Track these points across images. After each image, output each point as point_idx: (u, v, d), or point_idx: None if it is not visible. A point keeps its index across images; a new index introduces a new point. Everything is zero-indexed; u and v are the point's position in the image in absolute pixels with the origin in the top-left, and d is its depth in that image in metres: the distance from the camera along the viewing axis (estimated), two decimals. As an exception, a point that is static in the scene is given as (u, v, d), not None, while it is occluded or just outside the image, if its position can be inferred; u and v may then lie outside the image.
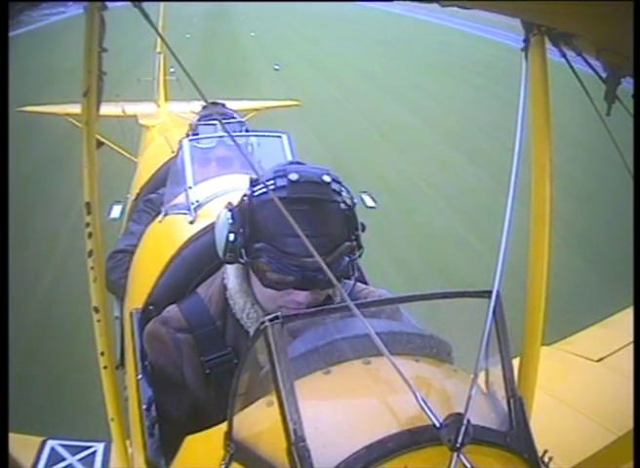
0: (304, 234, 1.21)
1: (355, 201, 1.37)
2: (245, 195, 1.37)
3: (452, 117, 9.39)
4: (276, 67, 11.09)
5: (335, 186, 1.32)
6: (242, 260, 1.34)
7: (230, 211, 1.37)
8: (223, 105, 3.09)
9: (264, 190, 1.32)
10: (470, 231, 6.06)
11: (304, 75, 11.04)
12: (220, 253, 1.38)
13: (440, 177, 7.39)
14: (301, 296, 1.31)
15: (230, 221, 1.35)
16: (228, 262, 1.40)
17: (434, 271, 5.30)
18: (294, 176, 1.28)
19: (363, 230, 1.38)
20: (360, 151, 7.67)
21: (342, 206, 1.33)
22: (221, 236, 1.37)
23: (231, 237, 1.34)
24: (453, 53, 13.85)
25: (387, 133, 8.38)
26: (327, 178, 1.31)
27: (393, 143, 8.20)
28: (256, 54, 13.33)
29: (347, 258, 1.34)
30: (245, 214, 1.34)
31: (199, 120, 2.79)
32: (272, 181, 1.30)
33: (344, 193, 1.35)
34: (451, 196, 6.92)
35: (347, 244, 1.33)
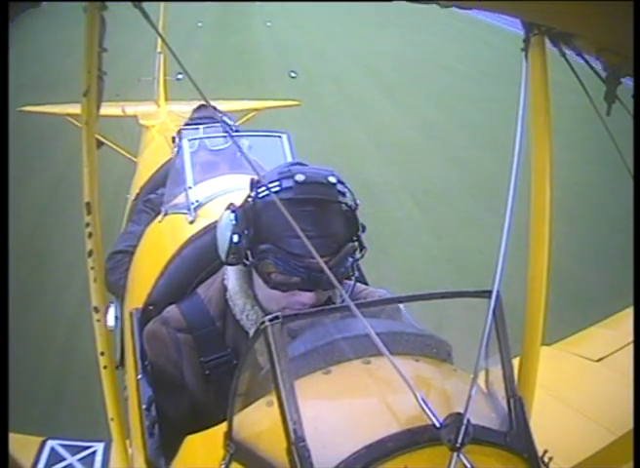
0: (310, 235, 1.23)
1: (358, 202, 1.37)
2: (249, 196, 1.37)
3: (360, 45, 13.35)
4: (268, 24, 14.23)
5: (339, 187, 1.32)
6: (247, 262, 1.33)
7: (233, 212, 1.36)
8: (214, 108, 3.07)
9: (259, 194, 1.32)
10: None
11: (287, 29, 14.73)
12: (223, 256, 1.37)
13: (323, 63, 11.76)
14: (307, 297, 1.31)
15: (234, 223, 1.34)
16: (231, 264, 1.39)
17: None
18: (300, 177, 1.28)
19: (363, 231, 1.38)
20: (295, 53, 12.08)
21: (346, 207, 1.33)
22: (224, 237, 1.35)
23: (235, 238, 1.33)
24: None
25: (320, 56, 12.31)
26: (332, 179, 1.31)
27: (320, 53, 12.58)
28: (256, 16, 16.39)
29: (351, 259, 1.34)
30: (249, 216, 1.33)
31: (194, 124, 2.79)
32: (278, 182, 1.30)
33: (348, 194, 1.35)
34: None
35: (351, 244, 1.33)
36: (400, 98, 9.33)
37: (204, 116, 2.90)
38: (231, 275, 1.44)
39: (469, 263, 4.75)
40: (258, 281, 1.36)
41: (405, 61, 11.66)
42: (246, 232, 1.32)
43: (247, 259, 1.33)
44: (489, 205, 5.49)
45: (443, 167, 6.71)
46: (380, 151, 7.10)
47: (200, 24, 12.11)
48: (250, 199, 1.36)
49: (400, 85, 10.10)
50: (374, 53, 12.28)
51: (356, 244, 1.35)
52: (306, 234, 1.20)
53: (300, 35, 13.86)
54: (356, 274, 1.39)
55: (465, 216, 5.73)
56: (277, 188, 1.29)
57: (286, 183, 1.29)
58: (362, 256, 1.38)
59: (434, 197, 6.03)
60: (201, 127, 2.57)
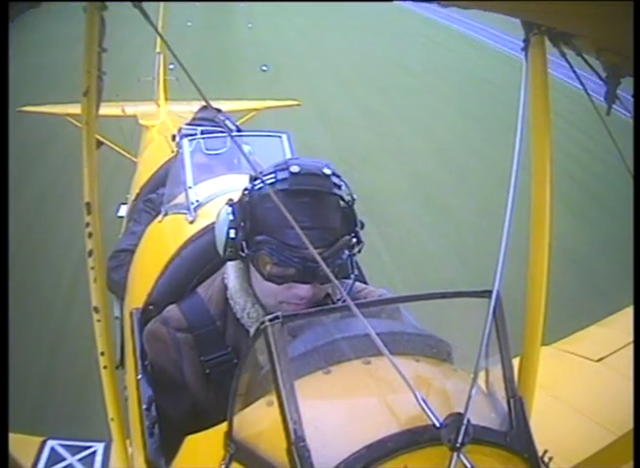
0: (305, 226, 1.23)
1: (355, 197, 1.37)
2: (245, 189, 1.38)
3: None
4: (249, 25, 16.21)
5: (335, 180, 1.33)
6: (243, 254, 1.34)
7: (231, 206, 1.38)
8: (219, 110, 3.08)
9: (255, 186, 1.33)
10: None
11: (265, 30, 16.44)
12: (220, 250, 1.38)
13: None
14: (303, 290, 1.31)
15: (231, 217, 1.35)
16: (229, 258, 1.40)
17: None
18: (295, 169, 1.29)
19: (362, 227, 1.38)
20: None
21: (342, 200, 1.34)
22: (221, 232, 1.37)
23: (232, 233, 1.34)
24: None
25: (290, 53, 13.89)
26: (327, 171, 1.31)
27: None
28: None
29: (347, 252, 1.34)
30: (245, 209, 1.34)
31: (192, 123, 2.79)
32: (273, 174, 1.31)
33: (344, 188, 1.35)
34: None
35: (347, 238, 1.33)
36: (350, 88, 11.50)
37: (206, 117, 2.89)
38: (231, 273, 1.44)
39: (364, 188, 6.11)
40: (255, 275, 1.37)
41: (365, 60, 13.63)
42: (242, 224, 1.33)
43: (242, 251, 1.33)
44: (399, 160, 8.22)
45: (371, 138, 8.99)
46: (324, 127, 9.08)
47: (190, 24, 13.80)
48: (246, 192, 1.37)
49: (353, 78, 12.23)
50: (339, 52, 14.32)
51: (353, 239, 1.35)
52: (301, 225, 1.20)
53: (276, 36, 15.81)
54: (355, 272, 1.39)
55: (376, 166, 7.95)
56: (272, 180, 1.30)
57: (281, 175, 1.30)
58: (359, 251, 1.38)
59: (358, 157, 7.96)
60: (198, 129, 2.57)
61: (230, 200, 1.40)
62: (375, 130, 9.31)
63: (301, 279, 1.30)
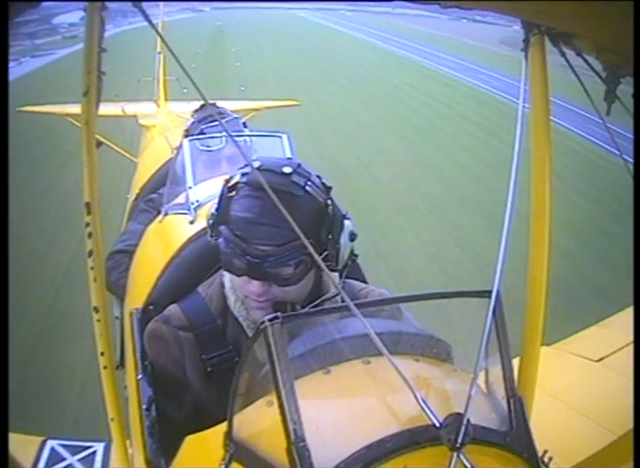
0: (255, 221, 1.24)
1: (329, 202, 1.31)
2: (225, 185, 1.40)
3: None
4: (237, 64, 22.47)
5: (296, 179, 1.28)
6: (210, 240, 1.39)
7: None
8: (216, 106, 3.07)
9: (232, 178, 1.36)
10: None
11: (248, 67, 23.05)
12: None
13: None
14: (254, 286, 1.31)
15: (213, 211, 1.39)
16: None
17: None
18: (256, 164, 1.31)
19: (353, 239, 1.34)
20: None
21: (305, 202, 1.28)
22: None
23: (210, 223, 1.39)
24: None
25: (261, 79, 20.15)
26: (287, 170, 1.29)
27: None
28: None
29: (304, 257, 1.26)
30: (219, 201, 1.37)
31: (198, 122, 2.78)
32: (242, 170, 1.35)
33: (310, 190, 1.29)
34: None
35: (298, 242, 1.22)
36: (292, 95, 15.30)
37: (209, 115, 2.86)
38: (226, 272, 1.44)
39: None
40: None
41: (309, 80, 20.41)
42: (214, 213, 1.37)
43: (211, 237, 1.38)
44: (304, 123, 13.27)
45: (293, 115, 12.39)
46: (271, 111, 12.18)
47: (194, 66, 18.63)
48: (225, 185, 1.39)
49: (297, 89, 17.92)
50: (293, 76, 21.15)
51: (314, 242, 1.24)
52: (251, 219, 1.24)
53: (255, 69, 22.33)
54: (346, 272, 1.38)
55: (290, 125, 10.65)
56: (240, 174, 1.34)
57: (246, 169, 1.33)
58: (326, 258, 1.28)
59: (280, 122, 10.64)
60: (205, 136, 2.54)
61: None
62: (298, 111, 13.41)
63: (248, 274, 1.30)
